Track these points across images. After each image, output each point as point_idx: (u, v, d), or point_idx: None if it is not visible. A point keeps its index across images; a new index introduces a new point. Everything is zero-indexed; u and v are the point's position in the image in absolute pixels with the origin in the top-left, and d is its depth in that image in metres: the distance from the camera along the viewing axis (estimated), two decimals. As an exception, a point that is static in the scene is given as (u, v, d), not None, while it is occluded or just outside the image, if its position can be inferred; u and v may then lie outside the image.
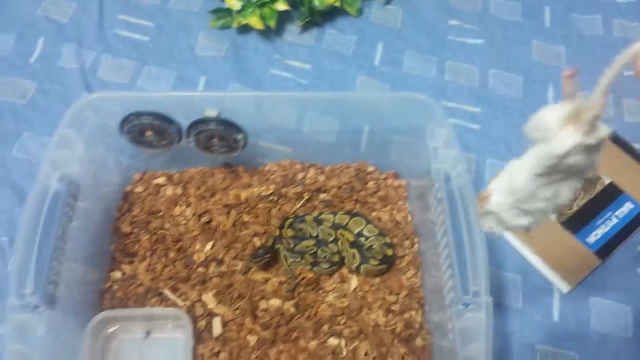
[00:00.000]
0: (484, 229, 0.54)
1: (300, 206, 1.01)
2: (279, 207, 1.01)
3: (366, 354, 0.86)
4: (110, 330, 0.88)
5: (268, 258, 0.92)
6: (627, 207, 1.02)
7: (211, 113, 0.90)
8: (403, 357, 0.86)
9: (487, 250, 0.74)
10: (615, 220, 1.01)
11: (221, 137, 0.92)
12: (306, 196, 1.01)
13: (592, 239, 0.98)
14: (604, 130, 0.37)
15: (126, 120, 0.90)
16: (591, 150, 0.37)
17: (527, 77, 1.19)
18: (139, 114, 0.89)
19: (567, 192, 0.41)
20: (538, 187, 0.40)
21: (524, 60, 1.22)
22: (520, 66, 1.21)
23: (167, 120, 0.90)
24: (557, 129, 0.37)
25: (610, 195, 1.03)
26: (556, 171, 0.38)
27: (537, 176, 0.39)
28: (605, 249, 0.98)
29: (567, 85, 0.36)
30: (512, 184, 0.41)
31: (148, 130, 0.91)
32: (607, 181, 1.04)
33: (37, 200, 0.78)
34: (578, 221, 1.00)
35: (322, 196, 1.02)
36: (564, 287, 0.95)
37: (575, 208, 1.01)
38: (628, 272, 0.98)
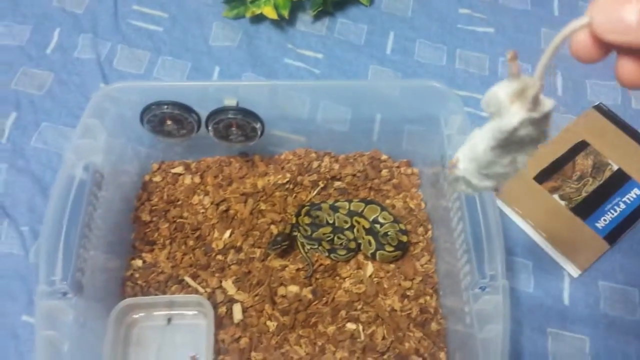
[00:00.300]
0: (456, 191, 0.57)
1: (316, 194, 1.03)
2: (294, 195, 1.03)
3: (383, 338, 0.88)
4: (133, 317, 0.90)
5: (286, 245, 0.94)
6: (635, 193, 1.04)
7: (230, 102, 0.91)
8: (419, 341, 0.89)
9: (502, 234, 0.77)
10: (622, 206, 1.03)
11: (239, 125, 0.94)
12: (321, 184, 1.03)
13: (601, 224, 1.01)
14: (548, 104, 0.40)
15: (147, 109, 0.91)
16: (539, 122, 0.41)
17: (536, 65, 1.20)
18: (159, 103, 0.91)
19: (523, 158, 0.45)
20: (496, 156, 0.44)
21: (533, 49, 1.23)
22: (530, 54, 1.21)
23: (187, 109, 0.92)
24: (507, 105, 0.40)
25: (618, 181, 1.05)
26: (510, 142, 0.42)
27: (493, 147, 0.43)
28: (614, 234, 1.00)
29: (512, 66, 0.39)
30: (474, 152, 0.45)
31: (168, 119, 0.93)
32: (615, 167, 1.06)
33: (63, 188, 0.80)
34: (587, 207, 1.02)
35: (337, 184, 1.04)
36: (574, 272, 0.97)
37: (584, 194, 1.03)
38: (636, 256, 1.00)
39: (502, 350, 0.70)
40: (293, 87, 0.99)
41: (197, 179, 1.04)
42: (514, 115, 0.40)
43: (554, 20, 1.28)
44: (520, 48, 1.23)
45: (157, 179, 1.04)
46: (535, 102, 0.40)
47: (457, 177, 0.48)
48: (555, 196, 1.03)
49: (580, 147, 1.08)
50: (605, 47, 0.35)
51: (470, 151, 0.45)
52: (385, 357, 0.87)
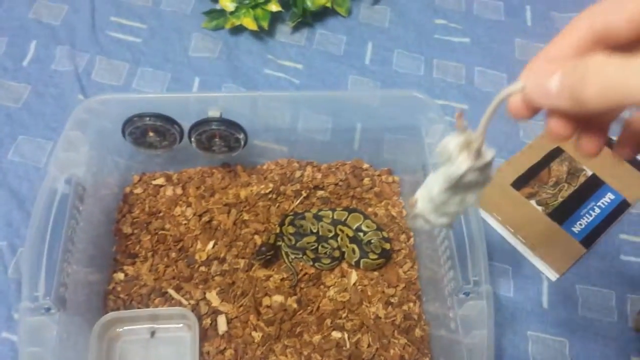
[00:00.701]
0: (415, 227, 0.64)
1: (299, 203, 1.03)
2: (277, 204, 1.03)
3: (368, 346, 0.89)
4: (116, 331, 0.89)
5: (270, 255, 0.95)
6: (609, 197, 1.07)
7: (214, 113, 0.92)
8: (404, 347, 0.89)
9: (484, 241, 0.79)
10: (597, 210, 1.06)
11: (222, 136, 0.94)
12: (304, 193, 1.04)
13: (577, 228, 1.03)
14: (489, 155, 0.47)
15: (129, 121, 0.91)
16: (482, 169, 0.48)
17: (510, 74, 1.23)
18: (141, 115, 0.90)
19: (471, 198, 0.52)
20: (448, 196, 0.51)
21: (507, 58, 1.26)
22: (504, 63, 1.25)
23: (169, 120, 0.92)
24: (456, 154, 0.47)
25: (593, 186, 1.08)
26: (459, 186, 0.49)
27: (446, 190, 0.50)
28: (590, 238, 1.03)
29: (459, 123, 0.45)
30: (430, 194, 0.52)
31: (150, 131, 0.93)
32: (589, 173, 1.09)
33: (45, 202, 0.79)
34: (563, 212, 1.05)
35: (320, 193, 1.05)
36: (552, 275, 1.00)
37: (560, 199, 1.06)
38: (611, 259, 1.03)
39: (487, 355, 0.71)
40: (275, 98, 1.00)
41: (178, 190, 1.03)
42: (461, 164, 0.46)
43: (527, 30, 1.31)
44: (495, 57, 1.26)
45: (138, 190, 1.03)
46: (478, 153, 0.46)
47: (415, 215, 0.55)
48: (533, 202, 1.05)
49: (556, 153, 1.11)
50: (534, 108, 0.41)
51: (427, 193, 0.52)
52: (371, 364, 0.88)
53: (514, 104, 0.42)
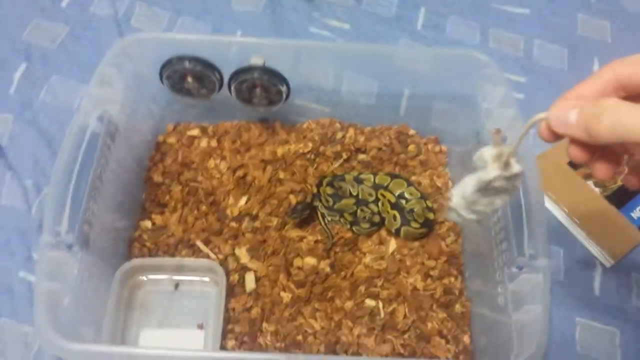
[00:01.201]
0: (449, 218, 0.69)
1: (338, 166, 0.98)
2: (315, 165, 0.97)
3: (404, 317, 0.83)
4: (139, 279, 0.85)
5: (306, 214, 0.89)
6: (672, 185, 0.99)
7: (257, 61, 0.86)
8: (442, 322, 0.83)
9: (545, 213, 0.72)
10: (659, 197, 0.98)
11: (264, 87, 0.88)
12: (344, 156, 0.98)
13: (636, 214, 0.95)
14: (516, 168, 0.54)
15: (167, 64, 0.86)
16: (510, 178, 0.55)
17: (571, 49, 1.16)
18: (181, 57, 0.86)
19: (499, 202, 0.59)
20: (479, 197, 0.58)
21: (568, 33, 1.18)
22: (565, 38, 1.17)
23: (209, 66, 0.87)
24: (489, 163, 0.54)
25: (655, 172, 1.00)
26: (489, 189, 0.56)
27: (477, 191, 0.57)
28: (649, 226, 0.95)
29: (495, 138, 0.53)
30: (464, 192, 0.58)
31: (189, 76, 0.88)
32: (652, 158, 1.01)
33: (76, 136, 0.74)
34: (622, 195, 0.97)
35: (361, 157, 0.98)
36: (606, 261, 0.92)
37: (620, 182, 0.98)
38: (671, 249, 0.95)
39: (542, 333, 0.64)
40: (323, 48, 0.94)
41: (213, 143, 0.98)
42: (491, 172, 0.54)
43: (590, 6, 1.23)
44: (555, 31, 1.18)
45: (172, 140, 0.99)
46: (507, 165, 0.54)
47: (450, 207, 0.61)
48: (590, 183, 0.98)
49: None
50: (557, 134, 0.48)
51: (461, 191, 0.58)
52: (406, 336, 0.82)
53: (542, 129, 0.50)
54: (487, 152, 0.54)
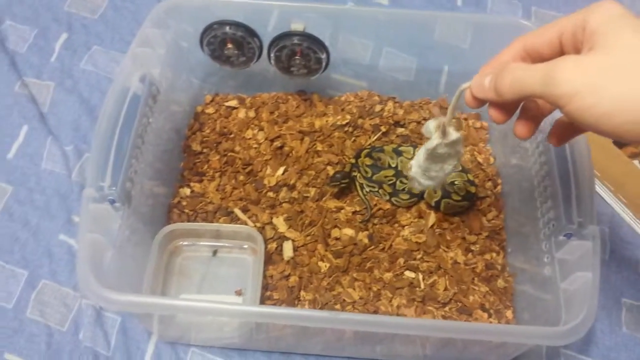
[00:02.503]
0: (412, 187, 0.73)
1: (376, 139, 0.96)
2: (353, 138, 0.96)
3: (445, 289, 0.81)
4: (177, 244, 0.85)
5: (345, 184, 0.88)
6: None
7: (297, 26, 0.85)
8: (484, 296, 0.81)
9: (593, 180, 0.70)
10: None
11: (304, 54, 0.88)
12: (383, 129, 0.96)
13: (686, 195, 0.92)
14: (454, 135, 0.61)
15: (209, 28, 0.86)
16: (451, 144, 0.62)
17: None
18: (222, 22, 0.85)
19: (448, 167, 0.66)
20: (430, 164, 0.65)
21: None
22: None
23: (250, 32, 0.86)
24: (432, 132, 0.61)
25: None
26: (436, 156, 0.64)
27: (427, 159, 0.64)
28: (698, 208, 0.92)
29: (435, 110, 0.68)
30: (418, 162, 0.66)
31: (229, 42, 0.87)
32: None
33: (118, 95, 0.74)
34: (671, 176, 0.94)
35: (400, 130, 0.97)
36: (654, 243, 0.89)
37: (668, 163, 0.95)
38: None
39: (592, 297, 0.62)
40: (363, 14, 0.94)
41: (251, 114, 0.98)
42: (433, 140, 0.62)
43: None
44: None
45: (210, 110, 0.99)
46: (446, 133, 0.61)
47: (410, 177, 0.69)
48: (636, 162, 0.95)
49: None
50: (479, 100, 0.54)
51: (416, 161, 0.66)
52: (447, 308, 0.80)
53: (467, 97, 0.55)
54: (431, 124, 0.62)
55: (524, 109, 0.57)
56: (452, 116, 0.60)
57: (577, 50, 0.48)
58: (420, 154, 0.65)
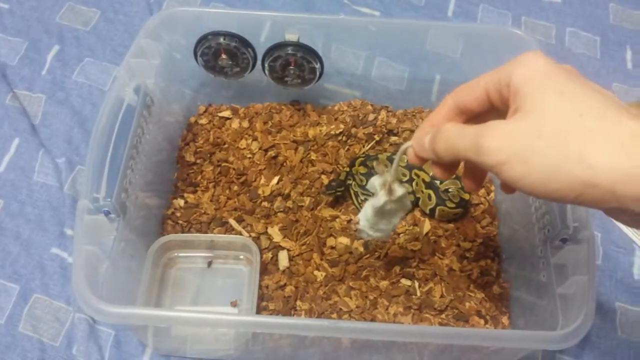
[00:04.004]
0: (361, 237, 0.77)
1: (370, 148, 0.96)
2: (347, 147, 0.96)
3: (441, 296, 0.81)
4: (171, 256, 0.84)
5: (340, 192, 0.88)
6: None
7: (292, 37, 0.86)
8: (480, 302, 0.81)
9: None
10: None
11: (298, 64, 0.88)
12: (377, 137, 0.97)
13: (676, 200, 0.93)
14: (399, 192, 0.63)
15: (203, 39, 0.86)
16: (397, 201, 0.64)
17: (604, 37, 1.14)
18: (216, 33, 0.86)
19: (396, 220, 0.68)
20: (378, 219, 0.66)
21: (601, 22, 1.17)
22: (598, 27, 1.16)
23: (244, 42, 0.87)
24: (377, 190, 0.63)
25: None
26: (383, 212, 0.65)
27: (375, 215, 0.65)
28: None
29: (379, 169, 0.62)
30: (366, 216, 0.66)
31: (223, 53, 0.88)
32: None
33: (113, 106, 0.74)
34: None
35: (393, 139, 0.97)
36: (646, 247, 0.90)
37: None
38: None
39: (589, 303, 0.62)
40: (356, 24, 0.95)
41: (245, 124, 0.98)
42: (380, 198, 0.63)
43: (623, -4, 1.22)
44: (587, 20, 1.17)
45: (203, 121, 0.99)
46: (392, 190, 0.62)
47: (359, 229, 0.69)
48: (627, 168, 0.96)
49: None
50: (421, 158, 0.54)
51: (364, 215, 0.67)
52: (443, 315, 0.80)
53: (410, 155, 0.56)
54: (376, 181, 0.63)
55: (467, 167, 0.58)
56: (396, 174, 0.62)
57: (506, 105, 0.47)
58: (368, 209, 0.65)
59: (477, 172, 0.57)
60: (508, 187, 0.48)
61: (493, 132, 0.44)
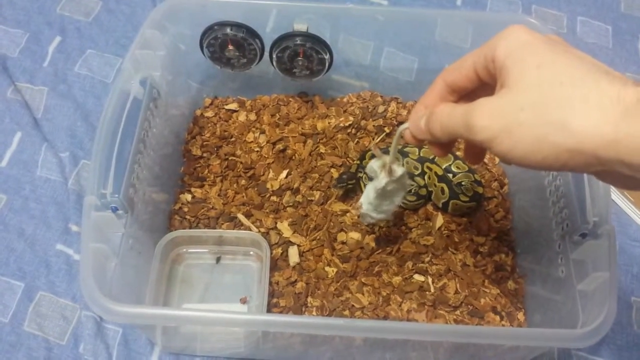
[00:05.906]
0: (364, 222, 0.77)
1: (380, 140, 0.94)
2: (357, 140, 0.94)
3: (456, 292, 0.80)
4: (180, 252, 0.82)
5: (351, 184, 0.86)
6: None
7: (300, 27, 0.84)
8: (495, 298, 0.80)
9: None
10: None
11: (306, 55, 0.86)
12: (387, 130, 0.95)
13: (693, 193, 0.92)
14: (399, 172, 0.65)
15: (209, 30, 0.84)
16: (397, 181, 0.65)
17: (615, 26, 1.12)
18: (223, 23, 0.83)
19: (398, 199, 0.69)
20: (381, 200, 0.68)
21: (612, 10, 1.15)
22: (609, 16, 1.14)
23: (251, 33, 0.84)
24: (378, 172, 0.65)
25: None
26: (385, 193, 0.67)
27: (377, 197, 0.67)
28: None
29: (375, 152, 0.65)
30: (368, 199, 0.68)
31: (230, 44, 0.85)
32: None
33: (118, 99, 0.72)
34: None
35: (404, 131, 0.95)
36: (662, 241, 0.88)
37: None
38: None
39: (611, 296, 0.61)
40: (366, 12, 0.93)
41: (252, 117, 0.96)
42: (381, 180, 0.65)
43: (634, -16, 1.20)
44: (599, 8, 1.15)
45: (209, 114, 0.96)
46: (391, 171, 0.65)
47: (362, 214, 0.71)
48: (642, 160, 0.94)
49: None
50: (418, 139, 0.55)
51: (366, 198, 0.68)
52: (458, 312, 0.78)
53: (407, 136, 0.56)
54: (375, 164, 0.65)
55: (466, 143, 0.59)
56: (395, 156, 0.63)
57: (494, 80, 0.47)
58: (370, 192, 0.67)
59: (475, 148, 0.58)
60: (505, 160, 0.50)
61: (481, 109, 0.45)
